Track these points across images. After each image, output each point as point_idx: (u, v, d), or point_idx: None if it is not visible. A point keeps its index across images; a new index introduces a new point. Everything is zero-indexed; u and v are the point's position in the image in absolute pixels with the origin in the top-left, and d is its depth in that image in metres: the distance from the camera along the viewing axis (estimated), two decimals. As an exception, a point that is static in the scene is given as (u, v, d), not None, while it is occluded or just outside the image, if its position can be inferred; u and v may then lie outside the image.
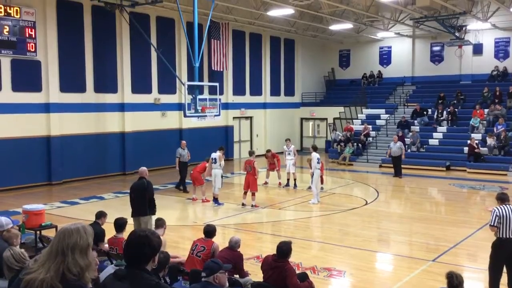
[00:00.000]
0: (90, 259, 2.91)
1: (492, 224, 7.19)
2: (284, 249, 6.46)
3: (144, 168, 10.06)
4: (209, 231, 7.54)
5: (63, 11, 18.80)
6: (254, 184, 14.59)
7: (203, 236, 7.58)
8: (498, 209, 7.18)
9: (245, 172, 14.90)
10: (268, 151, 18.89)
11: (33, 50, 17.79)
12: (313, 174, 15.35)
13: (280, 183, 18.27)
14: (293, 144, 20.18)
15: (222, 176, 15.19)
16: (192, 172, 15.82)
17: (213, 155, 15.28)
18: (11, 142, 17.50)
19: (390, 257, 10.50)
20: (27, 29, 17.54)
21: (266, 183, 18.50)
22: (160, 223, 7.98)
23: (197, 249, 7.28)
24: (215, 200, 14.99)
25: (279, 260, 6.44)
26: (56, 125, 18.75)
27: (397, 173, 20.47)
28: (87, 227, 2.96)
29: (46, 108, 18.51)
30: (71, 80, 19.28)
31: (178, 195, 16.68)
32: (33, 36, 17.74)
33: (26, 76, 17.88)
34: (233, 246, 7.19)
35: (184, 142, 17.66)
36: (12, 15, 17.08)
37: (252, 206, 14.55)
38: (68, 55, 19.10)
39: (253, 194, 14.64)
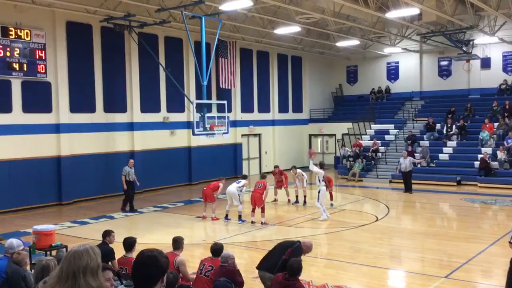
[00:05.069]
0: (101, 279, 2.90)
1: (510, 241, 7.16)
2: (295, 267, 6.41)
3: None
4: (216, 249, 7.47)
5: (72, 32, 19.06)
6: (260, 200, 14.55)
7: (210, 255, 7.51)
8: (515, 225, 7.14)
9: (252, 190, 14.91)
10: (276, 167, 18.77)
11: (43, 71, 18.02)
12: (319, 191, 15.30)
13: (289, 200, 18.18)
14: (298, 167, 20.24)
15: (239, 195, 15.13)
16: (205, 188, 15.70)
17: (242, 181, 15.36)
18: (21, 162, 17.64)
19: (402, 274, 10.37)
20: (37, 51, 17.78)
21: (275, 200, 18.43)
22: (179, 243, 7.71)
23: (205, 269, 7.23)
24: (239, 217, 14.97)
25: (290, 279, 6.39)
26: (66, 145, 18.90)
27: (408, 189, 20.34)
28: (95, 248, 2.96)
29: (56, 128, 18.69)
30: (80, 100, 19.47)
31: (187, 213, 16.64)
32: (43, 58, 17.99)
33: (37, 97, 18.08)
34: (225, 262, 7.12)
35: (132, 161, 17.59)
36: (23, 37, 17.35)
37: (261, 223, 14.49)
38: (77, 76, 19.32)
39: (262, 211, 14.58)
